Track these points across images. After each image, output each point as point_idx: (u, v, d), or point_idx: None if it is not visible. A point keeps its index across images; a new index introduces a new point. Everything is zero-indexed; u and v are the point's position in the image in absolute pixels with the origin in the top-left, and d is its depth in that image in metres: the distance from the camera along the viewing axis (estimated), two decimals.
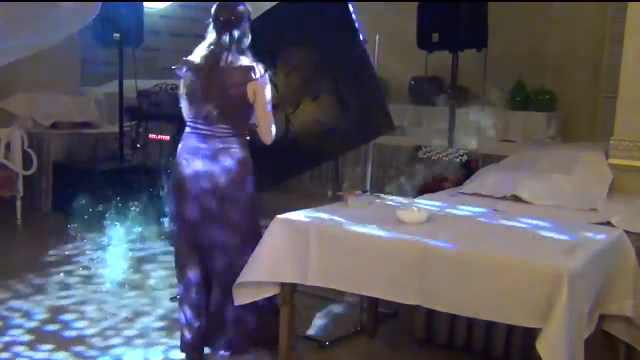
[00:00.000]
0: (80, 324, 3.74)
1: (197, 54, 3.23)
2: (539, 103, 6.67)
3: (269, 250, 2.93)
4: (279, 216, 2.96)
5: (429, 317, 3.55)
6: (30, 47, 3.56)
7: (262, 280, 2.99)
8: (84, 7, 3.32)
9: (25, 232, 5.92)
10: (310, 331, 3.72)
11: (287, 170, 4.04)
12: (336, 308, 4.04)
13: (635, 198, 3.65)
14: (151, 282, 4.47)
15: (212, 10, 3.25)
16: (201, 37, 3.27)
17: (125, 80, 6.47)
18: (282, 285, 3.00)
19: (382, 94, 3.90)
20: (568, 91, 6.65)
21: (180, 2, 8.01)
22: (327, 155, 4.09)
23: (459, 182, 4.19)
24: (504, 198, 3.72)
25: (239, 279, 2.99)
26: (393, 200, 3.44)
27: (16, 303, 4.01)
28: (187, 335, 3.28)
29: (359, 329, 3.76)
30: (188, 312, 3.26)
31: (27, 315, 3.84)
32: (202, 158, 3.17)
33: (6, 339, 3.49)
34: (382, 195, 3.58)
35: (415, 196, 3.54)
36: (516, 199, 3.70)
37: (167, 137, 5.88)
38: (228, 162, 3.17)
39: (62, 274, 4.56)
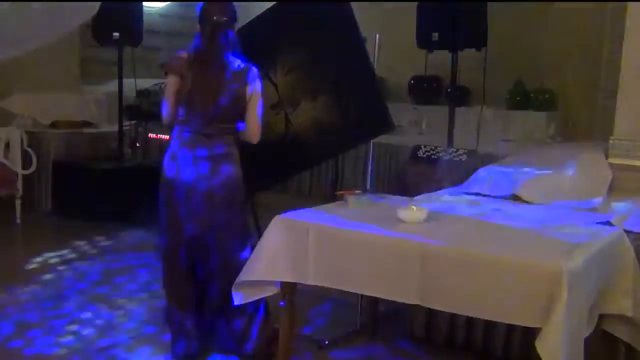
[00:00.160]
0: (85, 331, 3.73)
1: (191, 55, 3.16)
2: (539, 102, 6.67)
3: (268, 250, 2.93)
4: (279, 216, 2.96)
5: (429, 317, 3.55)
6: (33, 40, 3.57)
7: (262, 279, 2.99)
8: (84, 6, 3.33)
9: (25, 232, 5.92)
10: (310, 331, 3.72)
11: (286, 169, 4.04)
12: (335, 307, 4.04)
13: (635, 198, 3.65)
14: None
15: (202, 9, 3.17)
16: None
17: (124, 79, 6.47)
18: (282, 284, 3.00)
19: (382, 93, 3.90)
20: (568, 91, 6.65)
21: (180, 2, 8.00)
22: (327, 155, 4.09)
23: (458, 182, 4.18)
24: (504, 197, 3.72)
25: (239, 279, 2.99)
26: (393, 199, 3.44)
27: None
28: (183, 347, 3.27)
29: (358, 328, 3.76)
30: (182, 324, 3.25)
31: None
32: (200, 161, 3.14)
33: None
34: (382, 194, 3.57)
35: (414, 196, 3.54)
36: (516, 198, 3.69)
37: (167, 137, 5.87)
38: (226, 163, 3.18)
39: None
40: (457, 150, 5.03)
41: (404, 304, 2.69)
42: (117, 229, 5.78)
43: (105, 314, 3.92)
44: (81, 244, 5.35)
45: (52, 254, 5.03)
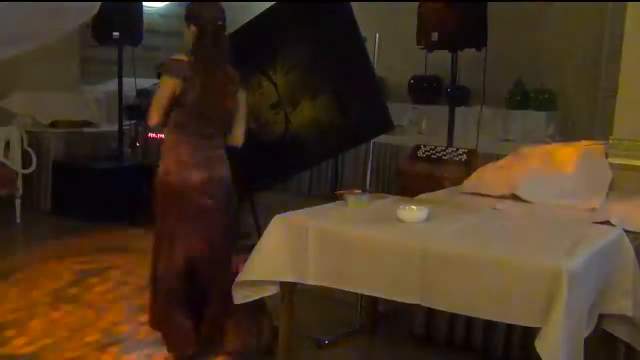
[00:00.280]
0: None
1: (192, 58, 3.11)
2: (539, 102, 6.67)
3: (268, 250, 2.93)
4: (279, 215, 2.96)
5: (429, 316, 3.55)
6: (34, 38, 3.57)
7: (262, 279, 2.99)
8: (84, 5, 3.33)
9: (25, 231, 5.91)
10: (310, 330, 3.72)
11: (286, 169, 4.04)
12: (335, 307, 4.03)
13: (635, 197, 3.65)
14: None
15: (198, 10, 3.12)
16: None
17: (124, 79, 6.47)
18: (282, 284, 2.99)
19: (382, 93, 3.90)
20: (568, 90, 6.66)
21: (180, 2, 8.00)
22: (327, 154, 4.09)
23: (458, 182, 4.18)
24: (504, 197, 3.72)
25: (238, 278, 2.99)
26: (392, 199, 3.44)
27: None
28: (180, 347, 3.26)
29: (358, 327, 3.76)
30: (181, 324, 3.24)
31: None
32: (200, 164, 3.15)
33: None
34: (381, 194, 3.57)
35: (414, 195, 3.53)
36: (515, 198, 3.69)
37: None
38: (224, 166, 3.21)
39: None
40: (457, 150, 5.03)
41: (404, 303, 2.69)
42: (117, 229, 5.78)
43: (102, 312, 3.92)
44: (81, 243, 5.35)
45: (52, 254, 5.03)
